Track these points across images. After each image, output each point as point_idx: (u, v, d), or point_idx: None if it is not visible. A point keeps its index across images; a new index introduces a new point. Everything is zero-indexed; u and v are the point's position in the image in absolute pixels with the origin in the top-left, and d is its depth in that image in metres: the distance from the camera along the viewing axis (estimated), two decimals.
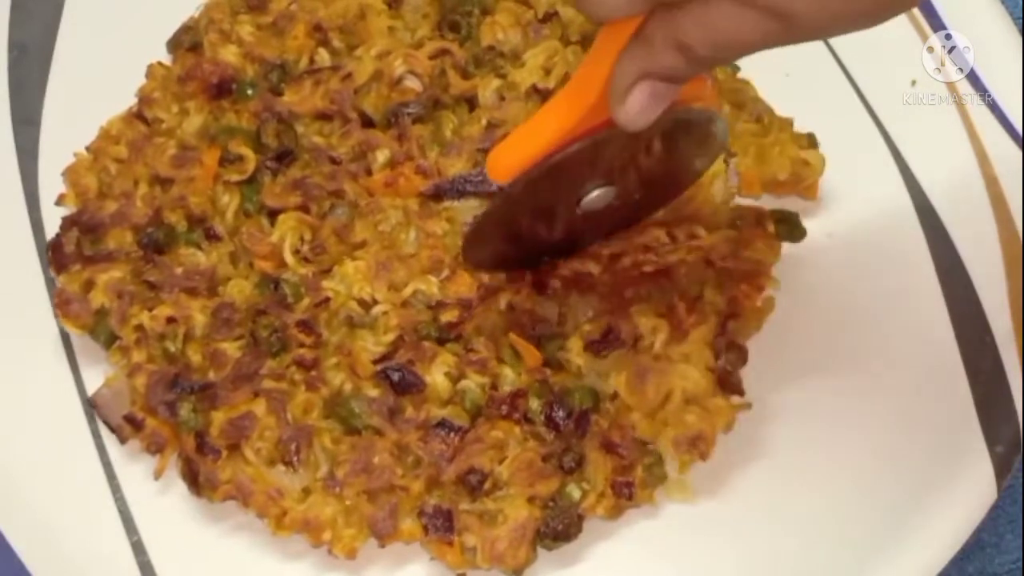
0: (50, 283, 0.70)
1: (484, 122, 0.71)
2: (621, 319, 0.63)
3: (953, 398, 0.66)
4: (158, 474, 0.65)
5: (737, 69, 0.74)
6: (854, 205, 0.71)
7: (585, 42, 0.73)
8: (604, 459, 0.62)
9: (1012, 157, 0.72)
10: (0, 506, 0.64)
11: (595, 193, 0.60)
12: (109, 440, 0.66)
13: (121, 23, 0.77)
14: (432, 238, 0.68)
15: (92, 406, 0.66)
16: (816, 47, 0.74)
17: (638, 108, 0.51)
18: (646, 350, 0.63)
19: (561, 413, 0.63)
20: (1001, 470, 0.63)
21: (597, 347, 0.63)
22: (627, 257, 0.65)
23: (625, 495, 0.62)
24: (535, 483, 0.61)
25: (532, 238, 0.64)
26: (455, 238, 0.68)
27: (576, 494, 0.62)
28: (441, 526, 0.61)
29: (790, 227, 0.68)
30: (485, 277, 0.67)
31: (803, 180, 0.70)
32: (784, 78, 0.73)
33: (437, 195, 0.69)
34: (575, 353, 0.63)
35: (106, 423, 0.65)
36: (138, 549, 0.64)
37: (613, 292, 0.64)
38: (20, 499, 0.64)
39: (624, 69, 0.51)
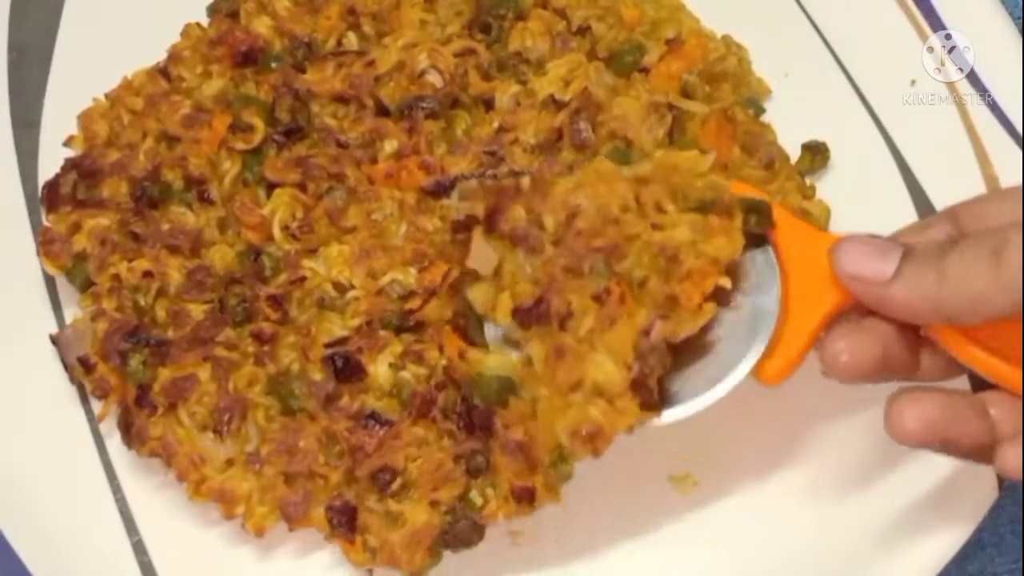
0: (50, 281, 0.71)
1: (496, 125, 0.70)
2: (555, 293, 0.59)
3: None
4: (100, 418, 0.66)
5: (762, 111, 0.72)
6: (854, 205, 0.70)
7: (612, 60, 0.71)
8: (508, 462, 0.60)
9: (1012, 157, 0.71)
10: (1, 507, 0.65)
11: None
12: (109, 440, 0.67)
13: (121, 24, 0.77)
14: (421, 233, 0.68)
15: (53, 343, 0.67)
16: (816, 47, 0.75)
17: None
18: (572, 331, 0.59)
19: (465, 408, 0.61)
20: None
21: (523, 316, 0.60)
22: (583, 219, 0.60)
23: (526, 500, 0.60)
24: (439, 487, 0.60)
25: None
26: (444, 236, 0.67)
27: (478, 501, 0.61)
28: (344, 523, 0.60)
29: (759, 218, 0.61)
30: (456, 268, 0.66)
31: None
32: (784, 78, 0.74)
33: (436, 191, 0.69)
34: (500, 312, 0.61)
35: (62, 361, 0.67)
36: (139, 549, 0.65)
37: (556, 260, 0.60)
38: (21, 500, 0.66)
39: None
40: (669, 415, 0.58)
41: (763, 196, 0.61)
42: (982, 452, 0.54)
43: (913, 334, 0.55)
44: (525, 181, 0.62)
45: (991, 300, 0.50)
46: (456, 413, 0.62)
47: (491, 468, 0.61)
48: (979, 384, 0.56)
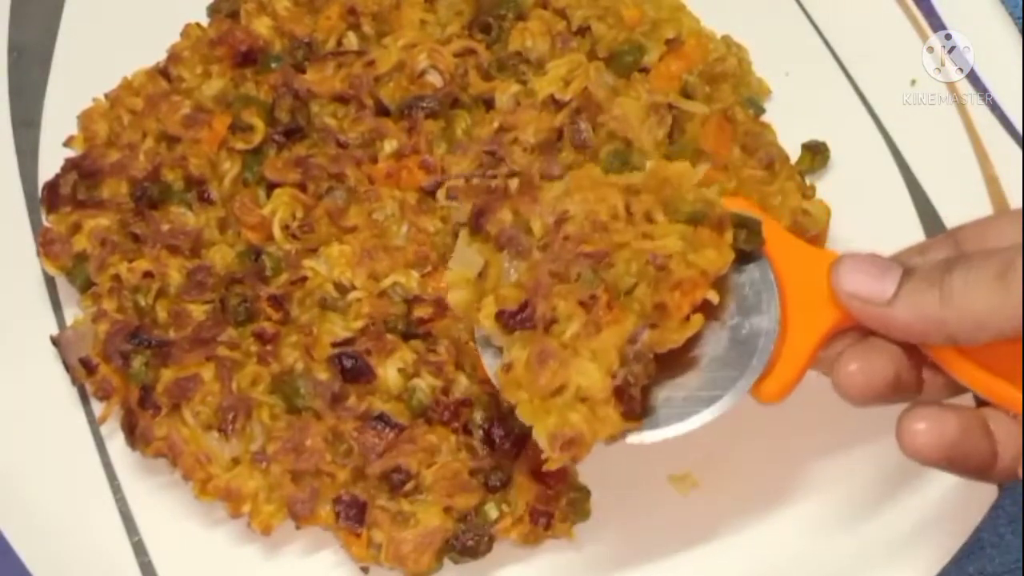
0: (50, 282, 0.71)
1: (496, 125, 0.70)
2: (540, 297, 0.58)
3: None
4: (101, 420, 0.65)
5: (762, 111, 0.72)
6: (854, 205, 0.70)
7: (612, 60, 0.71)
8: (530, 485, 0.61)
9: (1012, 157, 0.72)
10: (1, 507, 0.65)
11: None
12: (109, 441, 0.67)
13: (121, 24, 0.77)
14: (423, 234, 0.68)
15: (55, 344, 0.67)
16: (816, 47, 0.76)
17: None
18: (556, 335, 0.57)
19: (501, 431, 0.62)
20: None
21: (508, 319, 0.58)
22: (572, 224, 0.59)
23: (542, 524, 0.61)
24: (455, 494, 0.61)
25: None
26: (446, 237, 0.68)
27: (493, 513, 0.61)
28: (353, 516, 0.61)
29: (750, 234, 0.60)
30: None
31: (805, 230, 0.67)
32: (784, 78, 0.74)
33: (437, 191, 0.69)
34: (484, 315, 0.58)
35: (63, 362, 0.66)
36: (139, 549, 0.65)
37: (543, 264, 0.59)
38: (21, 500, 0.66)
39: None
40: (659, 433, 0.57)
41: (757, 213, 0.60)
42: (984, 470, 0.53)
43: (918, 353, 0.54)
44: (513, 183, 0.62)
45: (995, 321, 0.49)
46: (482, 429, 0.62)
47: (510, 487, 0.62)
48: (981, 401, 0.56)
